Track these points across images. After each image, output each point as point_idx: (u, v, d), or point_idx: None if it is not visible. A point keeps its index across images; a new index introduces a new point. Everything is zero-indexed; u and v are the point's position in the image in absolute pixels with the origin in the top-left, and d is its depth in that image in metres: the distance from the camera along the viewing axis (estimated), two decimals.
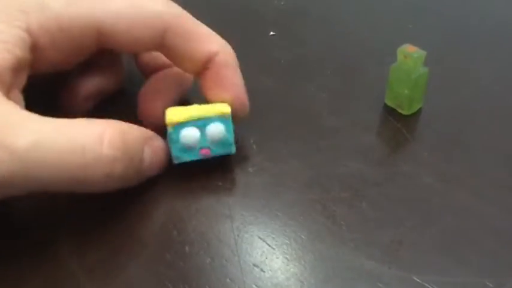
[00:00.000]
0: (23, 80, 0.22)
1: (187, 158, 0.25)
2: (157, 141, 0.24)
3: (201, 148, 0.24)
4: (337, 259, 0.22)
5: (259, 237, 0.23)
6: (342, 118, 0.29)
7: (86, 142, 0.20)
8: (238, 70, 0.26)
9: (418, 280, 0.21)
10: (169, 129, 0.24)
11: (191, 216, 0.24)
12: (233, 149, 0.25)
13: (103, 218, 0.23)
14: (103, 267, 0.22)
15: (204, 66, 0.25)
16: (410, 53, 0.27)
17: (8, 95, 0.21)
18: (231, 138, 0.25)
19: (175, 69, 0.28)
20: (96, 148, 0.20)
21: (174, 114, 0.24)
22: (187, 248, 0.22)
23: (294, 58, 0.34)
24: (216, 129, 0.24)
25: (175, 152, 0.24)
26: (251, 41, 0.36)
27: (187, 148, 0.24)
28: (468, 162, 0.26)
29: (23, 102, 0.22)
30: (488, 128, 0.28)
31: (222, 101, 0.25)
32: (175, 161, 0.24)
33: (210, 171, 0.26)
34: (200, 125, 0.24)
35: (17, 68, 0.21)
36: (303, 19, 0.38)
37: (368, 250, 0.22)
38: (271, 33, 0.37)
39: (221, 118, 0.24)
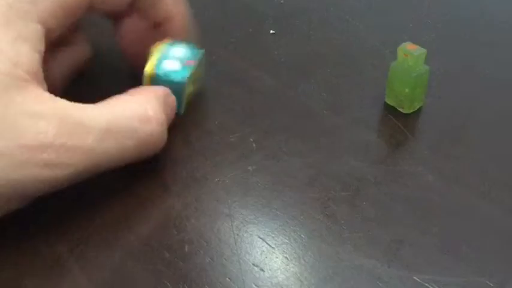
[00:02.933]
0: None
1: (184, 75, 0.26)
2: (171, 97, 0.26)
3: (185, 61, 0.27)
4: (337, 258, 0.22)
5: (259, 237, 0.23)
6: (342, 116, 0.29)
7: (138, 127, 0.23)
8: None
9: (418, 280, 0.21)
10: (156, 72, 0.26)
11: (190, 215, 0.24)
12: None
13: (102, 216, 0.23)
14: (102, 266, 0.22)
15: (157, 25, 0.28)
16: (410, 51, 0.27)
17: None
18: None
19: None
20: (145, 128, 0.23)
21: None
22: (186, 247, 0.22)
23: (294, 56, 0.34)
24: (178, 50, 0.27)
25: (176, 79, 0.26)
26: (251, 39, 0.36)
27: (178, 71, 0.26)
28: (469, 160, 0.26)
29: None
30: (489, 126, 0.28)
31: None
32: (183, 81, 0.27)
33: (209, 170, 0.26)
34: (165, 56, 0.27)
35: (41, 62, 0.22)
36: (303, 17, 0.38)
37: (368, 249, 0.22)
38: (271, 31, 0.36)
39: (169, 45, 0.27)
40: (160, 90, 0.25)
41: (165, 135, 0.24)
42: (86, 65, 0.29)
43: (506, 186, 0.25)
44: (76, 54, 0.29)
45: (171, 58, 0.27)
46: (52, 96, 0.21)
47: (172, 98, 0.26)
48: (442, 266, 0.21)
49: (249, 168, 0.26)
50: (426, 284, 0.21)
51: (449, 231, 0.23)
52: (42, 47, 0.22)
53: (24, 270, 0.21)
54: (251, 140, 0.27)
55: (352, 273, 0.21)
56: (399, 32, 0.36)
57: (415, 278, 0.21)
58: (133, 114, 0.23)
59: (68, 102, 0.22)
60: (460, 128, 0.28)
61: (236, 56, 0.33)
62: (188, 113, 0.28)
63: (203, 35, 0.29)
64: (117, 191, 0.25)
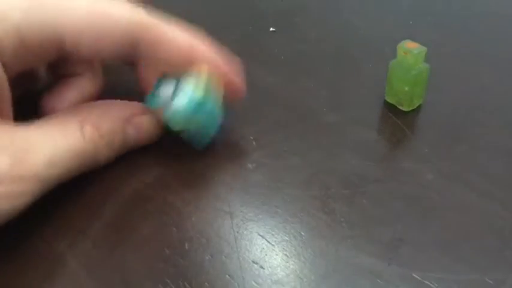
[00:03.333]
0: (5, 96, 0.22)
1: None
2: (140, 118, 0.25)
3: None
4: (337, 256, 0.22)
5: (259, 234, 0.23)
6: (342, 114, 0.29)
7: (77, 146, 0.23)
8: (218, 57, 0.25)
9: (418, 277, 0.21)
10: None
11: (190, 213, 0.24)
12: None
13: (101, 214, 0.23)
14: (102, 264, 0.22)
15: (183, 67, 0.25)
16: (410, 49, 0.27)
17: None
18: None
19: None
20: (84, 147, 0.23)
21: None
22: (186, 245, 0.22)
23: (294, 54, 0.34)
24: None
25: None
26: (251, 37, 0.36)
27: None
28: (469, 158, 0.26)
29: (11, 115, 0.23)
30: (489, 124, 0.28)
31: None
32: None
33: (209, 168, 0.26)
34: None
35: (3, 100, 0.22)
36: (303, 15, 0.38)
37: (368, 247, 0.22)
38: (271, 29, 0.36)
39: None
40: (125, 108, 0.25)
41: (102, 154, 0.24)
42: (95, 96, 0.28)
43: (506, 184, 0.25)
44: (86, 86, 0.27)
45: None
46: (5, 126, 0.21)
47: (144, 119, 0.25)
48: (441, 264, 0.21)
49: (249, 165, 0.26)
50: (426, 282, 0.21)
51: (449, 229, 0.23)
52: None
53: (22, 267, 0.21)
54: (251, 137, 0.27)
55: (351, 271, 0.21)
56: (399, 29, 0.36)
57: (414, 275, 0.21)
58: (70, 134, 0.23)
59: (15, 127, 0.21)
60: (460, 125, 0.28)
61: (236, 54, 0.33)
62: None
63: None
64: (116, 188, 0.25)
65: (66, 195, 0.24)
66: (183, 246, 0.22)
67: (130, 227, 0.23)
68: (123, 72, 0.28)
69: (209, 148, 0.26)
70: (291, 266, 0.21)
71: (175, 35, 0.24)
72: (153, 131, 0.26)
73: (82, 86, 0.27)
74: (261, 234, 0.23)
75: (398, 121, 0.28)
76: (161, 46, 0.24)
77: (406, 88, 0.28)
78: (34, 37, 0.22)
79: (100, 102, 0.26)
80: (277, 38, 0.35)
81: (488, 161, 0.26)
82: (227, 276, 0.21)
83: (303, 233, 0.23)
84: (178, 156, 0.26)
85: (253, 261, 0.22)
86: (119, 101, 0.26)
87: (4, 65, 0.21)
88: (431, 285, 0.21)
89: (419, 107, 0.29)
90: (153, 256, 0.22)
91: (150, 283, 0.21)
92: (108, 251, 0.22)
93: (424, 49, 0.27)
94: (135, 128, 0.25)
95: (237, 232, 0.23)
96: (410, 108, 0.29)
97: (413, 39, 0.27)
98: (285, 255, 0.22)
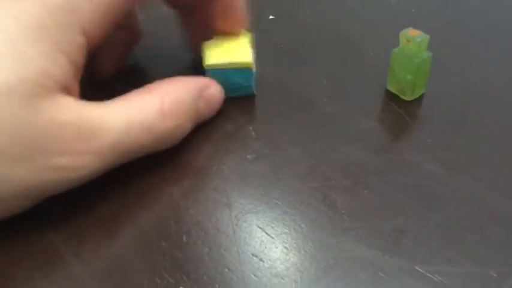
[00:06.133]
0: (80, 67, 0.23)
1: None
2: (210, 90, 0.26)
3: None
4: (338, 248, 0.21)
5: (258, 226, 0.22)
6: (343, 104, 0.28)
7: (152, 122, 0.23)
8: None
9: (420, 270, 0.21)
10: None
11: (188, 205, 0.23)
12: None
13: (99, 207, 0.23)
14: (99, 257, 0.21)
15: None
16: (413, 37, 0.26)
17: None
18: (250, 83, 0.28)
19: None
20: (160, 125, 0.23)
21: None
22: (184, 238, 0.22)
23: (294, 42, 0.33)
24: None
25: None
26: (250, 25, 0.35)
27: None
28: (472, 148, 0.26)
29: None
30: (493, 113, 0.28)
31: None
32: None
33: (207, 159, 0.25)
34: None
35: (78, 73, 0.22)
36: (303, 2, 0.38)
37: (369, 239, 0.22)
38: (271, 17, 0.36)
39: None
40: (195, 83, 0.25)
41: (181, 130, 0.24)
42: (134, 47, 0.30)
43: (509, 175, 0.24)
44: (128, 38, 0.29)
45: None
46: (78, 103, 0.21)
47: (212, 92, 0.26)
48: (444, 257, 0.21)
49: (248, 156, 0.25)
50: (428, 275, 0.20)
51: (451, 221, 0.22)
52: (81, 59, 0.22)
53: (16, 260, 0.21)
54: (250, 128, 0.27)
55: (353, 264, 0.21)
56: (401, 17, 0.36)
57: (417, 268, 0.21)
58: (148, 110, 0.23)
59: (90, 106, 0.22)
60: (462, 115, 0.28)
61: None
62: None
63: None
64: (115, 181, 0.24)
65: None
66: (181, 239, 0.22)
67: (127, 219, 0.23)
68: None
69: (208, 138, 0.26)
70: (291, 259, 0.21)
71: None
72: (219, 102, 0.27)
73: (122, 39, 0.28)
74: (261, 226, 0.22)
75: (400, 111, 0.28)
76: None
77: (409, 77, 0.27)
78: (117, 2, 0.22)
79: (170, 79, 0.25)
80: (276, 26, 0.35)
81: (491, 151, 0.26)
82: (226, 269, 0.21)
83: (303, 225, 0.22)
84: (175, 147, 0.25)
85: (252, 254, 0.21)
86: (184, 77, 0.26)
87: (84, 32, 0.21)
88: (433, 278, 0.20)
89: (421, 96, 0.29)
90: (151, 249, 0.21)
91: (147, 276, 0.20)
92: (105, 244, 0.22)
93: (426, 37, 0.26)
94: (206, 101, 0.26)
95: (236, 224, 0.22)
96: (413, 98, 0.28)
97: (416, 27, 0.27)
98: (285, 247, 0.22)
